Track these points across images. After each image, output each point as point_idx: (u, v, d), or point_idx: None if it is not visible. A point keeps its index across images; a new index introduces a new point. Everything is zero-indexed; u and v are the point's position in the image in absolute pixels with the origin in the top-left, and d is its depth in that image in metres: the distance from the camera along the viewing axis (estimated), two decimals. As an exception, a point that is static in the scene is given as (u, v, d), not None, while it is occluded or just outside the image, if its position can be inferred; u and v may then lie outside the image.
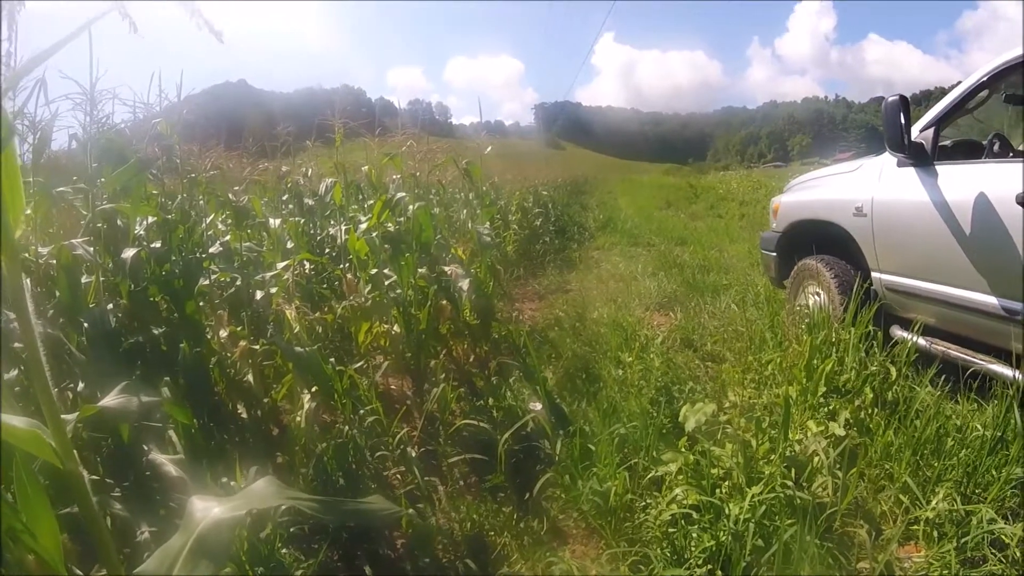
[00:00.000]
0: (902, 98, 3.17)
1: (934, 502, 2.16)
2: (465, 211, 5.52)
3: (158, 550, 0.82)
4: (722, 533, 1.98)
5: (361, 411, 2.77)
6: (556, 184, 20.19)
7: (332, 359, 2.98)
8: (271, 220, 3.66)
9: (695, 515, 2.12)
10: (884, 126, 3.22)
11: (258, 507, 0.88)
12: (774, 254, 4.57)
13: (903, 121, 3.14)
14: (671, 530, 2.12)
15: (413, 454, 2.68)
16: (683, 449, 2.33)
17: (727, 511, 2.03)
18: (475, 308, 4.05)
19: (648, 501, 2.29)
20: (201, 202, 3.29)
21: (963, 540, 2.01)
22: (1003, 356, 2.83)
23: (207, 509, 0.84)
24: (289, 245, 3.77)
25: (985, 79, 3.14)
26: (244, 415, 2.61)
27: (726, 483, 2.25)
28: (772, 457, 2.28)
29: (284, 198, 5.06)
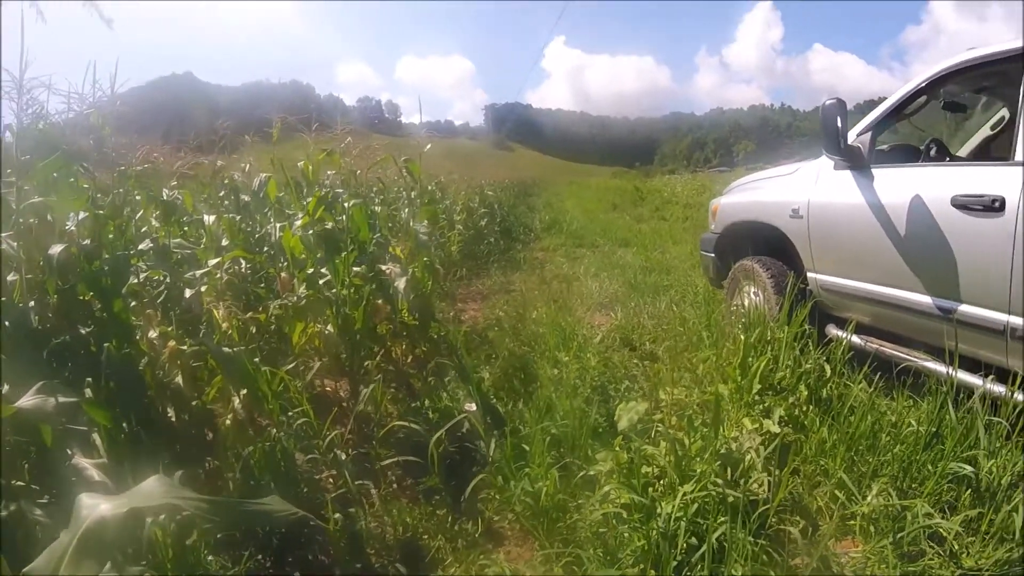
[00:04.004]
0: (839, 101, 3.21)
1: (869, 497, 2.18)
2: (407, 210, 5.44)
3: (47, 548, 0.80)
4: (654, 532, 1.96)
5: (290, 413, 2.67)
6: (504, 185, 20.20)
7: (263, 360, 2.86)
8: (206, 216, 3.53)
9: (626, 515, 2.10)
10: (821, 129, 3.25)
11: (142, 505, 0.85)
12: (712, 255, 4.62)
13: (840, 124, 3.18)
14: (602, 530, 2.10)
15: (343, 457, 2.60)
16: (618, 448, 2.31)
17: (659, 510, 2.02)
18: (413, 308, 3.96)
19: (580, 501, 2.26)
20: (137, 197, 3.16)
21: (900, 535, 2.04)
22: (937, 353, 2.91)
23: (93, 507, 0.82)
24: (225, 242, 3.64)
25: (921, 86, 3.24)
26: (174, 418, 2.48)
27: (661, 482, 2.24)
28: (705, 455, 2.27)
29: (221, 194, 4.90)
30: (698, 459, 2.26)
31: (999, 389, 2.54)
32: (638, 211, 18.05)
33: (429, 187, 10.43)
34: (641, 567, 1.93)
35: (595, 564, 1.99)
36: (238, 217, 4.07)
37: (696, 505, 2.05)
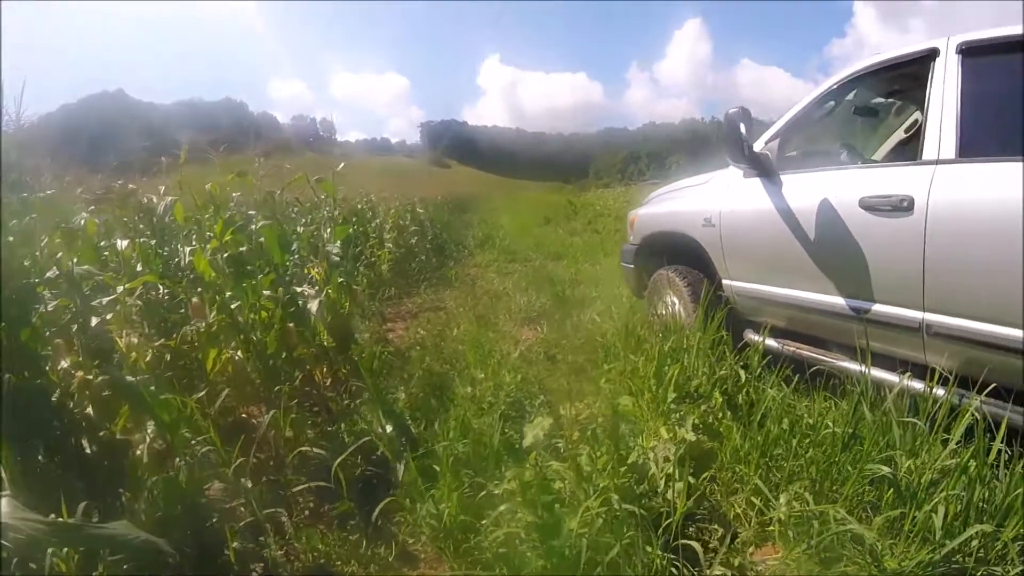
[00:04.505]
0: (742, 110, 3.24)
1: (783, 502, 2.18)
2: (328, 230, 5.33)
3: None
4: (558, 549, 1.91)
5: (194, 441, 2.59)
6: (439, 202, 20.13)
7: (179, 388, 2.86)
8: (119, 241, 3.34)
9: (524, 534, 2.05)
10: (726, 138, 3.29)
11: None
12: (632, 266, 4.64)
13: (743, 132, 3.22)
14: (502, 550, 2.04)
15: (249, 484, 2.50)
16: (528, 465, 2.26)
17: (563, 527, 1.97)
18: (331, 330, 3.88)
19: (485, 521, 2.20)
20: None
21: (818, 540, 2.02)
22: (854, 354, 2.92)
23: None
24: (139, 267, 3.51)
25: (827, 92, 3.31)
26: (88, 449, 2.38)
27: (568, 498, 2.19)
28: (608, 469, 2.23)
29: (137, 217, 4.71)
30: (604, 472, 2.21)
31: (917, 386, 2.58)
32: (571, 225, 18.17)
33: (359, 205, 10.38)
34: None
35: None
36: (153, 241, 3.91)
37: (600, 520, 2.00)
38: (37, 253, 2.73)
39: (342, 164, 4.33)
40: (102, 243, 3.56)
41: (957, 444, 2.17)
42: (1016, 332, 2.25)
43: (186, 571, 2.09)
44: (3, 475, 1.87)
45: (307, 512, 2.62)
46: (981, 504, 2.00)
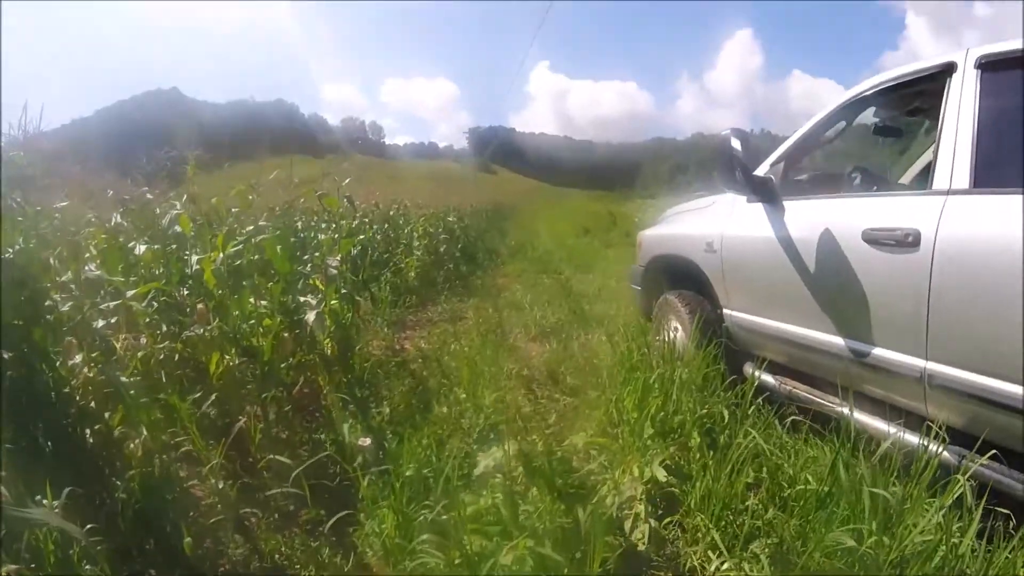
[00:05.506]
0: (737, 131, 3.07)
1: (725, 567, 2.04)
2: (319, 238, 5.38)
3: None
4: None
5: (176, 441, 2.74)
6: (477, 208, 20.19)
7: (182, 390, 2.99)
8: (138, 247, 3.52)
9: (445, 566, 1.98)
10: (718, 161, 3.12)
11: None
12: (639, 288, 4.53)
13: (738, 155, 3.03)
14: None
15: (220, 485, 2.63)
16: (466, 496, 2.19)
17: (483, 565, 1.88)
18: (335, 339, 3.94)
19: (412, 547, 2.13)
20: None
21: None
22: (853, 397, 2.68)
23: None
24: (160, 272, 3.68)
25: (838, 110, 3.11)
26: (88, 440, 2.57)
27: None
28: (552, 507, 2.13)
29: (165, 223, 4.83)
30: (540, 512, 2.11)
31: (913, 440, 2.33)
32: (609, 236, 18.06)
33: (391, 212, 10.45)
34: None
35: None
36: (172, 247, 4.00)
37: (531, 562, 1.88)
38: (52, 260, 2.84)
39: (348, 180, 4.36)
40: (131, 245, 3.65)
41: (943, 514, 1.93)
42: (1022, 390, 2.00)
43: (149, 565, 2.21)
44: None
45: (277, 516, 2.66)
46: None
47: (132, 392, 2.46)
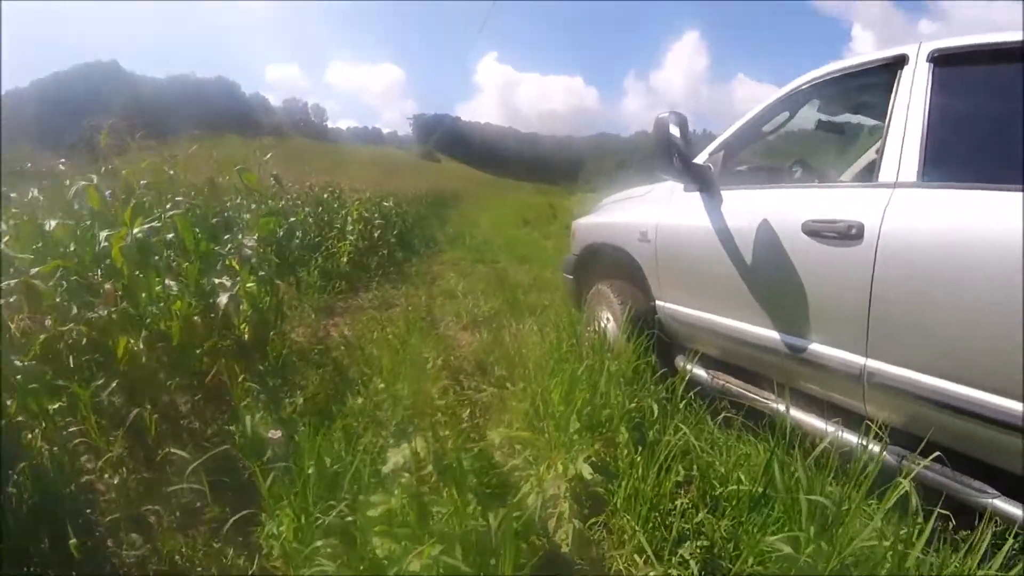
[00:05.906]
0: (675, 114, 2.92)
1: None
2: (242, 219, 5.11)
3: None
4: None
5: (65, 431, 2.56)
6: (418, 195, 19.94)
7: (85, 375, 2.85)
8: (48, 222, 3.26)
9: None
10: (654, 146, 2.95)
11: None
12: (571, 277, 4.40)
13: (676, 141, 2.88)
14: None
15: (116, 480, 2.51)
16: (368, 496, 2.01)
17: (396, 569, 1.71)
18: (250, 324, 3.72)
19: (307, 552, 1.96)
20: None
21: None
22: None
23: None
24: (72, 249, 3.45)
25: (781, 100, 3.04)
26: None
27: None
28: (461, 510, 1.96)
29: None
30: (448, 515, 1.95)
31: (851, 440, 2.26)
32: (549, 228, 18.01)
33: (324, 195, 10.14)
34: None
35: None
36: (87, 224, 3.70)
37: (439, 569, 1.72)
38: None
39: (268, 155, 4.12)
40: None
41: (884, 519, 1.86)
42: (967, 391, 1.93)
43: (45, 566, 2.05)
44: None
45: (179, 513, 2.46)
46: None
47: (19, 377, 2.36)
